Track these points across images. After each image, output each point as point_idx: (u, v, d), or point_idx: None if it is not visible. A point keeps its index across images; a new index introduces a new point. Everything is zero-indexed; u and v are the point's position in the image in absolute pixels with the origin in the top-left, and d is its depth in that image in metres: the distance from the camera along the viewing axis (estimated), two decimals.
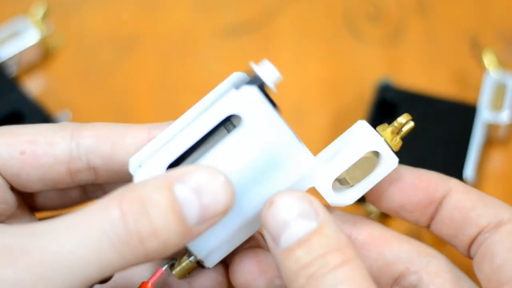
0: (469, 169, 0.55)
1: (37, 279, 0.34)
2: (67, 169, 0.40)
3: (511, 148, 0.59)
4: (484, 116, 0.57)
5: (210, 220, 0.36)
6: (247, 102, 0.38)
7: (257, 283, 0.40)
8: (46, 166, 0.40)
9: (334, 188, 0.40)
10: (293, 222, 0.37)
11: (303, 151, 0.39)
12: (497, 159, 0.58)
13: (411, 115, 0.58)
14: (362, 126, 0.41)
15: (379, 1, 0.65)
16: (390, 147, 0.40)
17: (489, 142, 0.58)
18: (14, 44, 0.61)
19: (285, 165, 0.39)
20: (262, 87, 0.39)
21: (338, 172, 0.40)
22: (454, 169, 0.55)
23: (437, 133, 0.58)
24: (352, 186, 0.40)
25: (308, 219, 0.37)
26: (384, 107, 0.59)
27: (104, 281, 0.42)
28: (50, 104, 0.60)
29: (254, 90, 0.38)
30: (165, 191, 0.36)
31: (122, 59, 0.63)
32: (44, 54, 0.63)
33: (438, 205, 0.41)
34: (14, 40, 0.61)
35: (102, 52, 0.64)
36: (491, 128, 0.58)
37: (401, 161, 0.41)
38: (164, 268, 0.40)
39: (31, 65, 0.62)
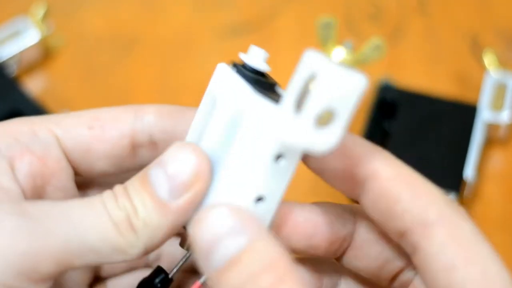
0: (469, 169, 0.55)
1: (55, 251, 0.35)
2: (131, 143, 0.40)
3: (511, 148, 0.59)
4: (484, 116, 0.57)
5: (185, 190, 0.36)
6: (216, 77, 0.38)
7: (297, 242, 0.38)
8: (114, 140, 0.40)
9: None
10: (222, 240, 0.34)
11: (261, 101, 0.36)
12: (497, 159, 0.58)
13: (412, 115, 0.59)
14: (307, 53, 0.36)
15: (379, 1, 0.65)
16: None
17: (489, 142, 0.58)
18: (14, 44, 0.61)
19: (246, 120, 0.36)
20: (250, 71, 0.39)
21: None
22: (454, 169, 0.55)
23: (437, 133, 0.57)
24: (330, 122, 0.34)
25: (237, 235, 0.34)
26: (384, 107, 0.59)
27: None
28: (50, 104, 0.60)
29: (222, 65, 0.38)
30: (141, 173, 0.37)
31: (122, 59, 0.63)
32: (44, 54, 0.63)
33: (363, 186, 0.37)
34: (14, 40, 0.61)
35: (102, 52, 0.64)
36: (491, 128, 0.58)
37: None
38: (201, 281, 0.39)
39: (31, 65, 0.62)
